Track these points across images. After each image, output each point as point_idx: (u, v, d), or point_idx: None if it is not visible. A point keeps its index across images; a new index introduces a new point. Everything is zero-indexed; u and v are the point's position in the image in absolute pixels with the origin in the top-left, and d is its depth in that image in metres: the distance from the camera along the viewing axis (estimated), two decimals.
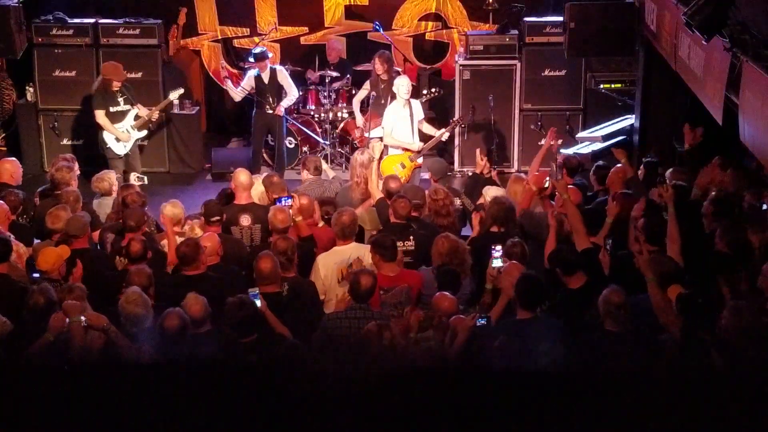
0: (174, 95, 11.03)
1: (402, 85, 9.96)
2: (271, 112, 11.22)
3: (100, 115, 10.46)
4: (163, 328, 5.64)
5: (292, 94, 11.36)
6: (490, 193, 7.96)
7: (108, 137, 10.52)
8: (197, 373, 3.23)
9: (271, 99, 11.21)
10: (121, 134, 10.52)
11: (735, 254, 6.43)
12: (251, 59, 11.45)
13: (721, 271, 6.23)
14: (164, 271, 6.91)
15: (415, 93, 10.75)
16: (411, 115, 9.94)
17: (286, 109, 11.35)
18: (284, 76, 11.32)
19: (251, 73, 11.37)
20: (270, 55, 11.49)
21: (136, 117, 10.63)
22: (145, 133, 10.90)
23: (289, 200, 7.53)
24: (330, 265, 6.99)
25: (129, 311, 5.81)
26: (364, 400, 3.13)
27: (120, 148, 10.56)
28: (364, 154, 8.73)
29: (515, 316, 5.96)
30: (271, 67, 11.29)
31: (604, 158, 9.57)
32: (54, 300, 5.91)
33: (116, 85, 10.45)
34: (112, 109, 10.49)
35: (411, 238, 7.35)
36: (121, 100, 10.55)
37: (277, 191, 7.96)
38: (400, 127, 9.90)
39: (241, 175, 8.10)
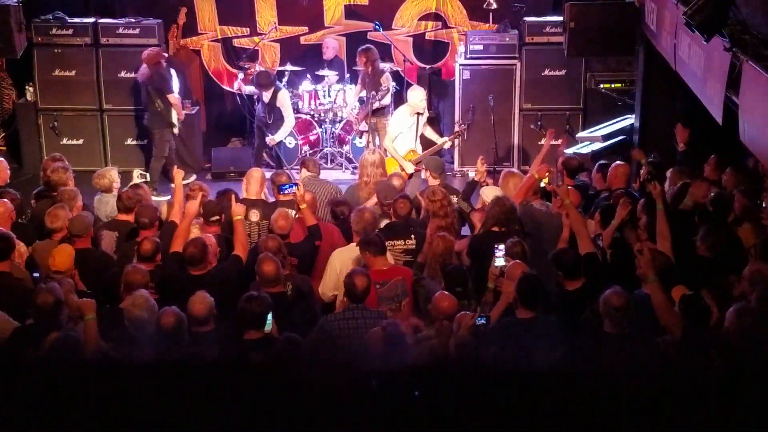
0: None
1: (415, 96, 9.87)
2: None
3: (176, 94, 11.15)
4: (160, 326, 5.68)
5: (288, 122, 11.33)
6: (488, 193, 7.97)
7: (175, 117, 11.11)
8: (195, 372, 3.22)
9: (267, 116, 11.31)
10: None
11: (716, 258, 6.43)
12: (252, 86, 11.54)
13: (703, 275, 6.24)
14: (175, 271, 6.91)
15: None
16: (417, 125, 9.92)
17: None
18: (284, 101, 11.27)
19: None
20: (274, 84, 11.32)
21: None
22: None
23: (294, 187, 7.50)
24: (346, 260, 7.00)
25: (133, 314, 5.85)
26: (365, 400, 3.12)
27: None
28: (374, 154, 8.80)
29: (515, 315, 5.95)
30: (275, 87, 11.29)
31: (604, 158, 9.57)
32: (62, 299, 5.93)
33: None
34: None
35: (412, 237, 7.36)
36: None
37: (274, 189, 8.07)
38: (404, 136, 9.86)
39: (256, 171, 8.36)
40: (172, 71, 11.44)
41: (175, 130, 11.31)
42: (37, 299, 5.90)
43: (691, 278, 6.21)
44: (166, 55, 11.18)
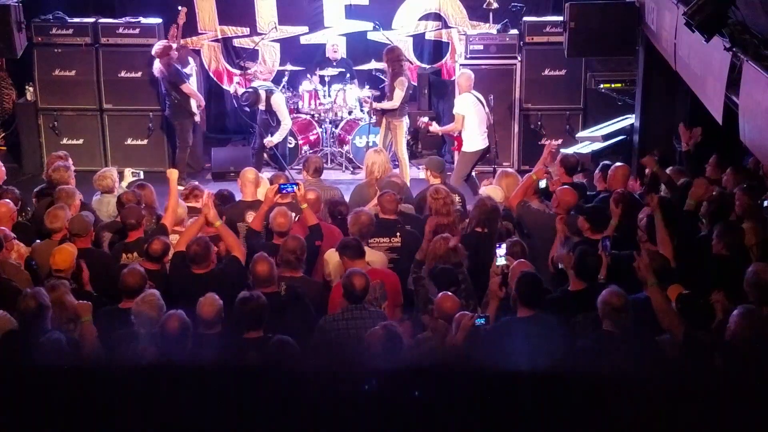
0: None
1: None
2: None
3: (190, 84, 11.45)
4: (164, 329, 5.67)
5: (285, 124, 11.38)
6: (485, 193, 8.00)
7: (194, 105, 11.37)
8: (194, 373, 3.23)
9: (270, 119, 11.40)
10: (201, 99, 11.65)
11: (733, 256, 6.42)
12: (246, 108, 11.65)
13: (720, 274, 6.22)
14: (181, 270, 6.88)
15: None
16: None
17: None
18: (278, 104, 11.33)
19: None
20: (259, 95, 11.38)
21: None
22: None
23: (294, 187, 7.42)
24: (334, 262, 6.99)
25: (141, 310, 5.85)
26: (364, 400, 3.12)
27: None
28: (380, 153, 8.82)
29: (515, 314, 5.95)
30: (267, 91, 11.34)
31: (605, 158, 9.56)
32: (47, 304, 5.84)
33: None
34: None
35: (398, 234, 7.36)
36: None
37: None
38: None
39: (249, 172, 8.24)
40: (190, 59, 11.84)
41: (197, 119, 11.57)
42: (20, 305, 5.81)
43: (706, 278, 6.20)
44: (175, 46, 11.31)
